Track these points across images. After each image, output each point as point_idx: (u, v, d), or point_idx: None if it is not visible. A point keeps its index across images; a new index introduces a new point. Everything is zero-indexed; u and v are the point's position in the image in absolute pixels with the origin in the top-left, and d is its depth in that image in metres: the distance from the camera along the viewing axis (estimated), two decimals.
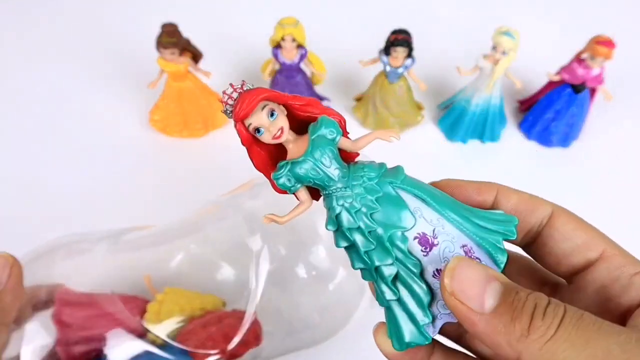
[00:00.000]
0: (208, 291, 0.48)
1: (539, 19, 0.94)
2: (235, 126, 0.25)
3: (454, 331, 0.31)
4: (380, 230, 0.25)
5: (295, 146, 0.26)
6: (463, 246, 0.25)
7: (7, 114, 0.76)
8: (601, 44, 0.64)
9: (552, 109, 0.72)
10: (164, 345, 0.43)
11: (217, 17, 0.93)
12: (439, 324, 0.26)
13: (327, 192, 0.26)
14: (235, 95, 0.25)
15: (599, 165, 0.72)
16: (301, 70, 0.71)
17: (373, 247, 0.25)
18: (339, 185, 0.26)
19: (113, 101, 0.77)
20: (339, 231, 0.26)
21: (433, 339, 0.26)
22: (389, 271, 0.25)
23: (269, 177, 0.26)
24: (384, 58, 0.68)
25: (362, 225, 0.25)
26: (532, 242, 0.28)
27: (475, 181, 0.28)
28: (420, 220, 0.25)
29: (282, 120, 0.25)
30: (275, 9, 0.79)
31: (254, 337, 0.46)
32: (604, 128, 0.76)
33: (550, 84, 0.73)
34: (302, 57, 0.69)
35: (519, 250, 0.30)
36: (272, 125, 0.25)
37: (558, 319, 0.20)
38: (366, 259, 0.26)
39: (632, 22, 0.94)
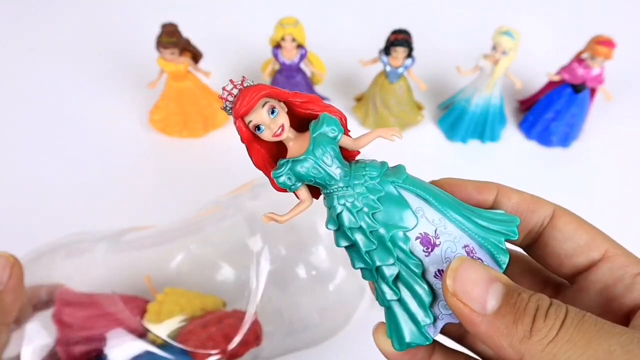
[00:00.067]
0: (208, 291, 0.48)
1: (539, 19, 0.94)
2: (235, 123, 0.25)
3: (456, 331, 0.31)
4: (382, 230, 0.25)
5: (295, 144, 0.26)
6: (465, 246, 0.25)
7: (7, 114, 0.75)
8: (601, 44, 0.64)
9: (552, 109, 0.72)
10: (164, 346, 0.43)
11: (217, 17, 0.93)
12: (440, 324, 0.26)
13: (328, 191, 0.26)
14: (235, 91, 0.25)
15: (599, 165, 0.72)
16: (301, 70, 0.71)
17: (374, 247, 0.25)
18: (340, 184, 0.25)
19: (113, 101, 0.77)
20: (340, 230, 0.26)
21: (433, 340, 0.26)
22: (390, 271, 0.25)
23: (268, 175, 0.26)
24: (384, 58, 0.68)
25: (364, 225, 0.25)
26: (533, 242, 0.28)
27: (475, 180, 0.28)
28: (422, 220, 0.25)
29: (282, 118, 0.25)
30: (275, 9, 0.79)
31: (254, 337, 0.46)
32: (604, 128, 0.76)
33: (550, 84, 0.73)
34: (302, 57, 0.69)
35: (520, 250, 0.30)
36: (273, 122, 0.25)
37: (560, 320, 0.20)
38: (367, 259, 0.25)
39: (632, 22, 0.94)
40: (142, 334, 0.43)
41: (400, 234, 0.25)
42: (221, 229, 0.51)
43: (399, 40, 0.65)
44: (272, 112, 0.25)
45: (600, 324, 0.20)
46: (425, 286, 0.25)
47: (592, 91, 0.71)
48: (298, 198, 0.26)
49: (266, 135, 0.25)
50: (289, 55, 0.68)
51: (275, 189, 0.26)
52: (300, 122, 0.26)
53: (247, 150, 0.26)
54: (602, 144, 0.74)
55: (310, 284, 0.48)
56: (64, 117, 0.75)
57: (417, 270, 0.25)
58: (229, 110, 0.25)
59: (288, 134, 0.25)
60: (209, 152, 0.72)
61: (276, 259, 0.46)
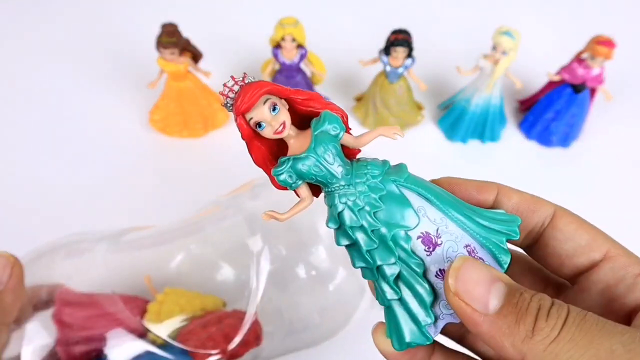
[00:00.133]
0: (208, 291, 0.48)
1: (539, 19, 0.94)
2: (236, 120, 0.25)
3: (456, 331, 0.31)
4: (383, 229, 0.25)
5: (296, 142, 0.26)
6: (466, 246, 0.25)
7: (7, 114, 0.75)
8: (601, 44, 0.64)
9: (552, 109, 0.72)
10: (164, 345, 0.43)
11: (217, 17, 0.93)
12: (441, 324, 0.26)
13: (329, 189, 0.25)
14: (236, 88, 0.24)
15: (599, 165, 0.72)
16: (301, 70, 0.71)
17: (375, 246, 0.25)
18: (342, 182, 0.25)
19: (113, 101, 0.77)
20: (341, 229, 0.26)
21: (433, 340, 0.26)
22: (391, 270, 0.25)
23: (268, 173, 0.26)
24: (384, 58, 0.68)
25: (365, 224, 0.25)
26: (533, 243, 0.28)
27: (476, 180, 0.28)
28: (424, 219, 0.25)
29: (284, 115, 0.25)
30: (275, 9, 0.79)
31: (254, 337, 0.46)
32: (604, 128, 0.76)
33: (551, 84, 0.73)
34: (302, 57, 0.69)
35: (521, 251, 0.29)
36: (274, 119, 0.24)
37: (562, 319, 0.20)
38: (368, 258, 0.25)
39: (632, 22, 0.94)
40: (142, 334, 0.43)
41: (402, 233, 0.25)
42: (221, 229, 0.51)
43: (399, 40, 0.65)
44: (274, 109, 0.24)
45: (601, 324, 0.20)
46: (427, 285, 0.25)
47: (592, 91, 0.71)
48: (298, 196, 0.26)
49: (267, 132, 0.25)
50: (289, 55, 0.68)
51: (276, 187, 0.26)
52: (301, 120, 0.26)
53: (248, 148, 0.26)
54: (602, 144, 0.74)
55: (310, 284, 0.48)
56: (64, 117, 0.75)
57: (418, 270, 0.25)
58: (229, 106, 0.25)
59: (289, 132, 0.25)
60: (209, 152, 0.72)
61: (276, 259, 0.46)
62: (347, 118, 0.26)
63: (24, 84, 0.80)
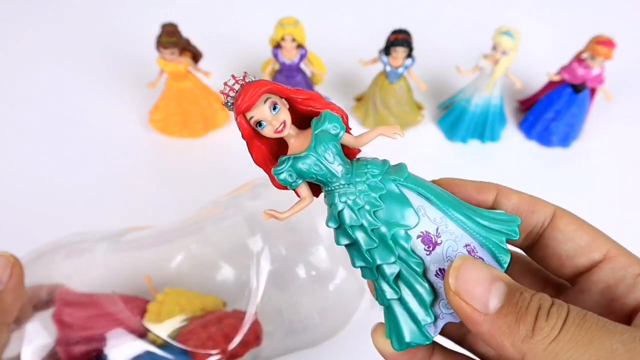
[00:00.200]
0: (208, 291, 0.48)
1: (539, 19, 0.94)
2: (236, 119, 0.25)
3: (456, 332, 0.31)
4: (383, 229, 0.25)
5: (296, 141, 0.26)
6: (466, 245, 0.25)
7: (7, 114, 0.75)
8: (601, 44, 0.64)
9: (552, 109, 0.72)
10: (164, 345, 0.43)
11: (217, 17, 0.93)
12: (441, 324, 0.26)
13: (329, 188, 0.25)
14: (237, 86, 0.24)
15: (599, 165, 0.72)
16: (301, 70, 0.71)
17: (375, 245, 0.25)
18: (342, 181, 0.25)
19: (113, 101, 0.77)
20: (341, 228, 0.26)
21: (433, 340, 0.26)
22: (391, 270, 0.25)
23: (268, 173, 0.26)
24: (384, 58, 0.68)
25: (365, 223, 0.25)
26: (533, 244, 0.28)
27: (475, 180, 0.28)
28: (424, 218, 0.25)
29: (284, 114, 0.25)
30: (275, 9, 0.79)
31: (254, 337, 0.46)
32: (604, 128, 0.76)
33: (551, 84, 0.73)
34: (302, 57, 0.69)
35: (520, 252, 0.29)
36: (275, 118, 0.24)
37: (562, 319, 0.20)
38: (368, 257, 0.25)
39: (632, 22, 0.94)
40: (142, 334, 0.43)
41: (402, 232, 0.25)
42: (221, 229, 0.51)
43: (399, 40, 0.65)
44: (274, 108, 0.24)
45: (601, 323, 0.20)
46: (426, 285, 0.25)
47: (592, 91, 0.71)
48: (298, 196, 0.26)
49: (267, 131, 0.25)
50: (289, 55, 0.68)
51: (275, 186, 0.26)
52: (301, 120, 0.26)
53: (248, 147, 0.26)
54: (602, 144, 0.74)
55: (310, 284, 0.48)
56: (64, 117, 0.75)
57: (418, 269, 0.25)
58: (230, 105, 0.25)
59: (289, 131, 0.25)
60: (209, 152, 0.72)
61: (276, 259, 0.46)
62: (347, 118, 0.26)
63: (24, 84, 0.80)
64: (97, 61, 0.83)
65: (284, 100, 0.25)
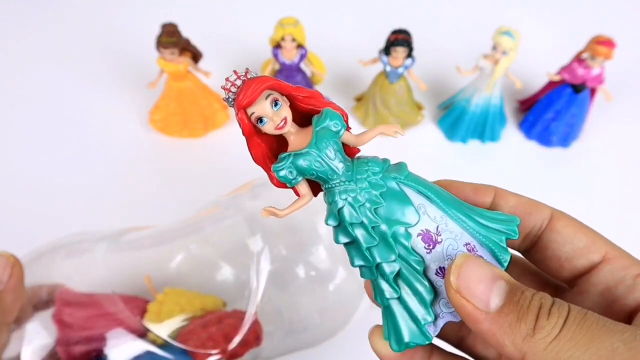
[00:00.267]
0: (208, 291, 0.48)
1: (539, 19, 0.94)
2: (237, 115, 0.24)
3: (454, 335, 0.31)
4: (383, 226, 0.25)
5: (297, 138, 0.25)
6: (466, 244, 0.25)
7: (7, 114, 0.75)
8: (601, 44, 0.64)
9: (552, 109, 0.72)
10: (164, 345, 0.43)
11: (217, 17, 0.93)
12: (441, 323, 0.26)
13: (329, 185, 0.25)
14: (238, 82, 0.24)
15: (599, 165, 0.72)
16: (301, 70, 0.71)
17: (376, 243, 0.25)
18: (342, 178, 0.25)
19: (113, 101, 0.77)
20: (340, 226, 0.26)
21: (431, 343, 0.26)
22: (390, 268, 0.25)
23: (267, 171, 0.26)
24: (384, 58, 0.68)
25: (366, 221, 0.25)
26: (531, 246, 0.28)
27: (473, 182, 0.28)
28: (424, 217, 0.25)
29: (285, 111, 0.25)
30: (275, 9, 0.79)
31: (254, 337, 0.46)
32: (604, 128, 0.76)
33: (551, 84, 0.73)
34: (302, 57, 0.69)
35: (518, 254, 0.29)
36: (276, 115, 0.24)
37: (562, 318, 0.20)
38: (367, 256, 0.25)
39: (632, 22, 0.94)
40: (142, 334, 0.43)
41: (402, 230, 0.25)
42: (221, 229, 0.50)
43: (399, 40, 0.65)
44: (275, 105, 0.24)
45: (602, 322, 0.20)
46: (427, 283, 0.25)
47: (592, 91, 0.71)
48: (297, 194, 0.26)
49: (268, 127, 0.25)
50: (289, 55, 0.68)
51: (274, 184, 0.26)
52: (302, 118, 0.26)
53: (247, 144, 0.26)
54: (602, 144, 0.74)
55: (310, 284, 0.48)
56: (64, 117, 0.75)
57: (418, 267, 0.25)
58: (231, 101, 0.24)
59: (290, 128, 0.25)
60: (209, 152, 0.72)
61: (276, 259, 0.46)
62: (347, 117, 0.26)
63: (24, 84, 0.80)
64: (97, 61, 0.83)
65: (285, 97, 0.25)
